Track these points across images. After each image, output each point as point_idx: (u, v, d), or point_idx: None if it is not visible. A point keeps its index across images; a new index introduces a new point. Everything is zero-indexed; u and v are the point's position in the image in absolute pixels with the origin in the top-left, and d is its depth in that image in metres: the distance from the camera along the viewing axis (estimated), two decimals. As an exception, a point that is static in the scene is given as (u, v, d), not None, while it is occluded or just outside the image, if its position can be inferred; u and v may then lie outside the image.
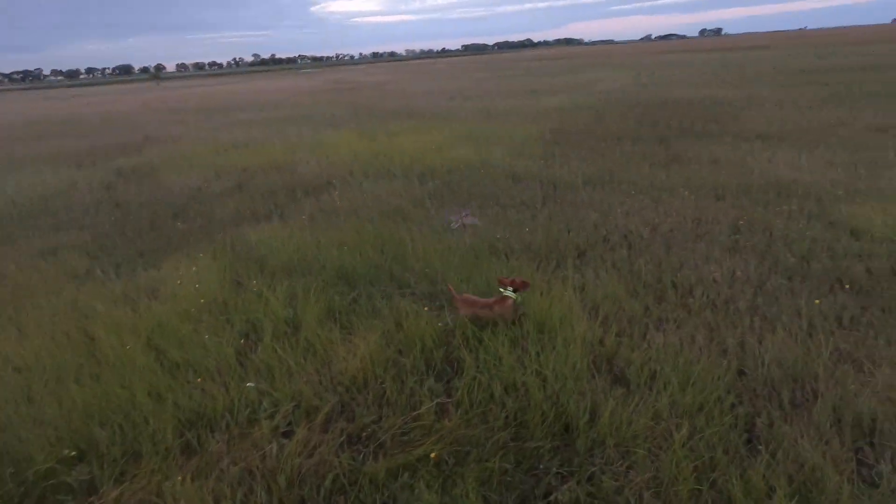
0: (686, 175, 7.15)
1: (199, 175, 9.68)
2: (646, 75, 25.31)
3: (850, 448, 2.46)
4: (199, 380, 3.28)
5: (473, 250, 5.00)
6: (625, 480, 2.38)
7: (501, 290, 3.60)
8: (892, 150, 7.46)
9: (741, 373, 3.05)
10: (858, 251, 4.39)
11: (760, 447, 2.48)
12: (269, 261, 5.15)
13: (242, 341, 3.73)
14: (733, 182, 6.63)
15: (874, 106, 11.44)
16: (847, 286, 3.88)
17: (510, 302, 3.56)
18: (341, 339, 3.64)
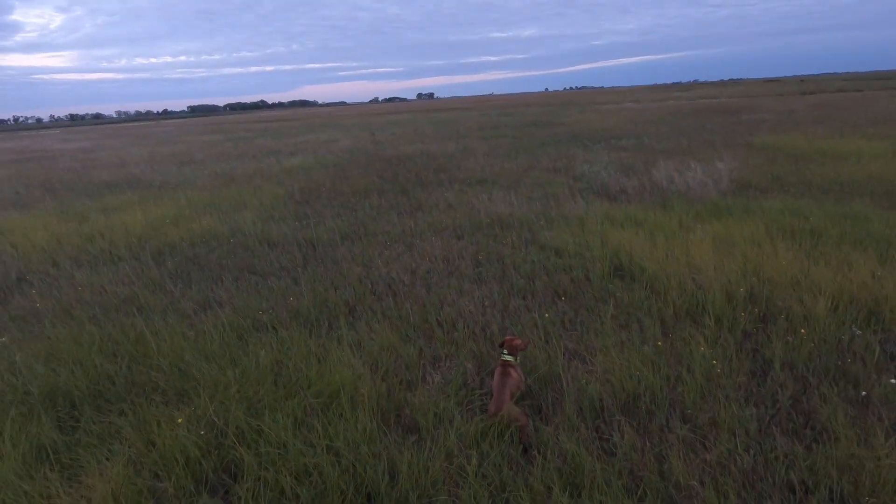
0: (430, 220, 7.97)
1: None
2: (379, 133, 27.71)
3: (592, 429, 3.01)
4: None
5: (235, 329, 4.49)
6: (433, 531, 2.38)
7: (504, 356, 3.21)
8: (566, 187, 9.79)
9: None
10: (563, 266, 5.53)
11: (535, 454, 2.82)
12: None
13: None
14: (467, 222, 7.67)
15: (546, 153, 14.91)
16: (562, 296, 4.84)
17: (518, 369, 3.22)
18: (65, 485, 2.76)
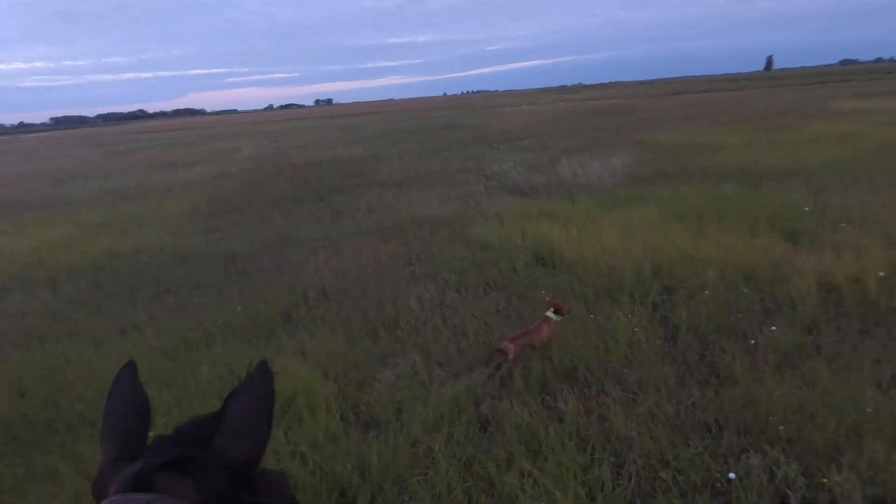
0: (352, 225, 7.97)
1: None
2: (282, 141, 26.74)
3: (540, 401, 3.29)
4: None
5: (165, 351, 4.24)
6: (411, 512, 2.51)
7: (548, 313, 3.77)
8: (481, 186, 10.25)
9: (456, 375, 3.64)
10: (490, 260, 5.84)
11: (491, 429, 3.04)
12: None
13: None
14: (391, 224, 7.78)
15: (456, 154, 15.40)
16: (494, 287, 5.14)
17: (553, 323, 3.75)
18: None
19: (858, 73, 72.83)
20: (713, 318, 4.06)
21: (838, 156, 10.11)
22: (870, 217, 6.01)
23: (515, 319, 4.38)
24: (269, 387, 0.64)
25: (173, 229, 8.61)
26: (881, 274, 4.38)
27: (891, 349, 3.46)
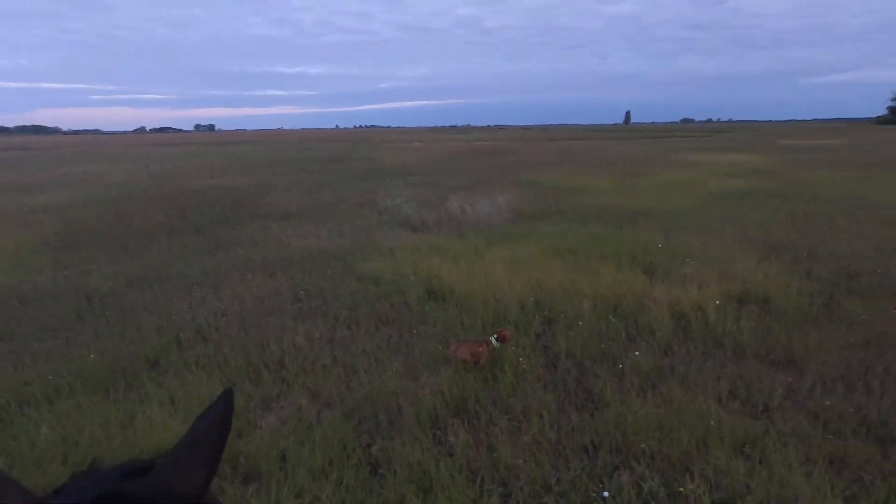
0: (235, 259, 7.47)
1: None
2: (155, 166, 24.50)
3: (431, 436, 3.29)
4: None
5: (-10, 410, 3.55)
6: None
7: (492, 338, 4.14)
8: (373, 219, 10.25)
9: (347, 416, 3.52)
10: (382, 294, 5.82)
11: (384, 471, 2.97)
12: None
13: None
14: (278, 258, 7.43)
15: (350, 187, 15.32)
16: (385, 322, 5.11)
17: (489, 348, 4.09)
18: None
19: (695, 130, 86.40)
20: (588, 346, 4.41)
21: (684, 200, 11.76)
22: (708, 254, 7.04)
23: (406, 354, 4.38)
24: (228, 415, 0.62)
25: (12, 265, 7.37)
26: (717, 302, 5.13)
27: (728, 367, 4.03)
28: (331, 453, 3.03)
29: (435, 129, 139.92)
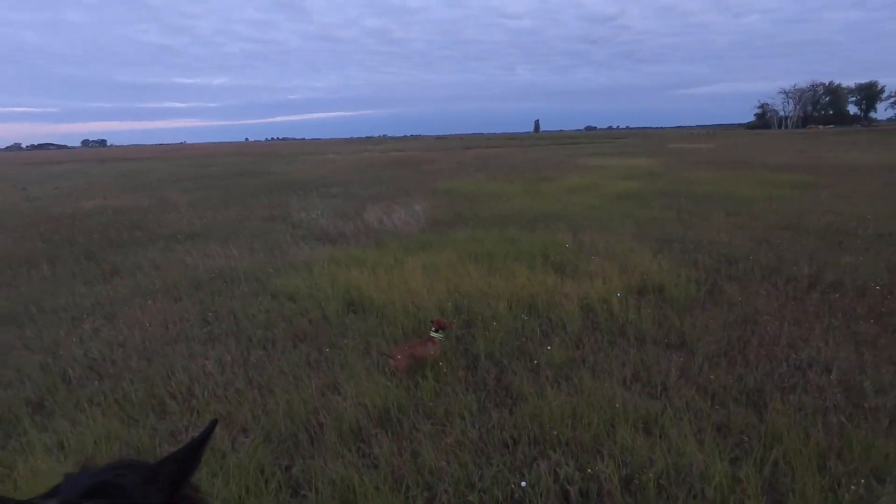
0: (133, 285, 6.88)
1: None
2: (35, 188, 21.94)
3: (355, 450, 3.24)
4: None
5: None
6: None
7: (432, 332, 4.18)
8: (287, 234, 9.91)
9: (264, 439, 3.37)
10: (299, 310, 5.64)
11: (305, 492, 2.88)
12: None
13: None
14: (183, 280, 6.95)
15: (260, 202, 14.69)
16: (303, 339, 4.95)
17: (437, 341, 4.17)
18: None
19: (598, 137, 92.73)
20: (505, 345, 4.58)
21: (588, 202, 12.58)
22: (611, 250, 7.58)
23: (327, 369, 4.28)
24: (208, 435, 0.77)
25: None
26: (618, 294, 5.54)
27: (630, 354, 4.36)
28: (247, 481, 2.89)
29: (350, 141, 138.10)
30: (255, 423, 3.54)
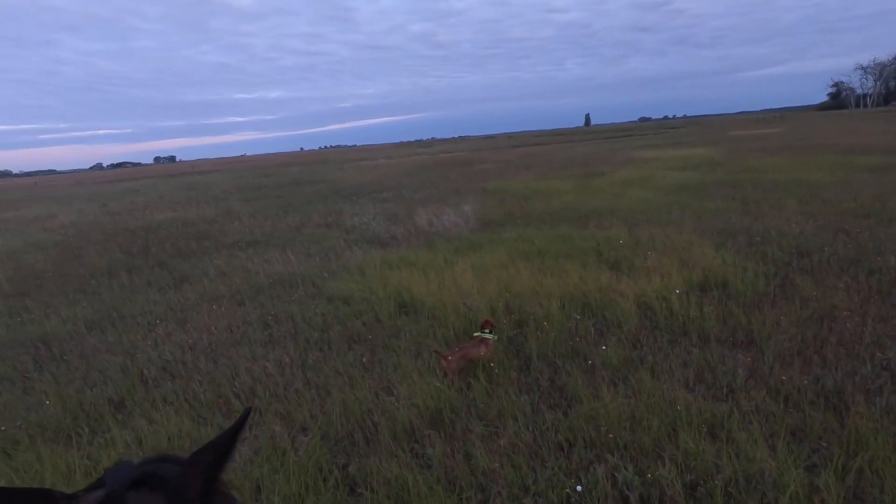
0: (201, 291, 7.30)
1: None
2: (114, 203, 23.80)
3: (409, 450, 3.28)
4: None
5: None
6: None
7: (479, 333, 4.12)
8: (341, 239, 10.19)
9: (322, 438, 3.47)
10: (353, 313, 5.78)
11: (361, 490, 2.94)
12: None
13: None
14: (246, 286, 7.30)
15: (315, 209, 15.19)
16: (357, 341, 5.07)
17: (490, 342, 4.11)
18: None
19: (652, 128, 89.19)
20: (558, 345, 4.48)
21: (643, 195, 12.11)
22: (668, 245, 7.25)
23: (380, 371, 4.36)
24: (241, 424, 0.78)
25: (-40, 316, 7.03)
26: (678, 291, 5.29)
27: (693, 353, 4.15)
28: (307, 478, 2.98)
29: (400, 145, 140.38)
30: (314, 422, 3.66)
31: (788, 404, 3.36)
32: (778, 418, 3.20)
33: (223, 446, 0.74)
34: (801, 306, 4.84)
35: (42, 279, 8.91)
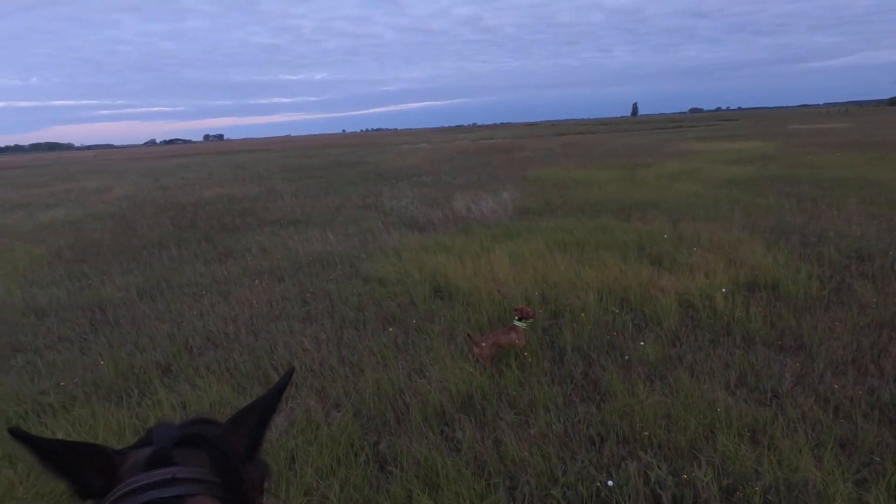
0: (243, 266, 7.55)
1: None
2: (165, 178, 24.83)
3: (438, 433, 3.31)
4: None
5: (8, 420, 3.65)
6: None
7: (515, 321, 4.09)
8: (379, 221, 10.29)
9: (354, 415, 3.55)
10: (388, 294, 5.84)
11: (391, 468, 2.99)
12: None
13: None
14: (286, 263, 7.50)
15: (355, 191, 15.37)
16: (392, 322, 5.13)
17: (521, 330, 4.08)
18: None
19: (704, 119, 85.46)
20: (594, 338, 4.40)
21: (690, 189, 11.65)
22: (716, 241, 6.97)
23: (413, 353, 4.40)
24: (285, 385, 0.78)
25: (26, 279, 7.53)
26: (723, 290, 5.08)
27: (736, 355, 3.99)
28: (339, 452, 3.06)
29: (441, 130, 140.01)
30: (347, 398, 3.74)
31: (839, 414, 3.19)
32: (826, 428, 3.05)
33: (267, 404, 0.74)
34: (858, 313, 4.56)
35: (99, 248, 9.42)
